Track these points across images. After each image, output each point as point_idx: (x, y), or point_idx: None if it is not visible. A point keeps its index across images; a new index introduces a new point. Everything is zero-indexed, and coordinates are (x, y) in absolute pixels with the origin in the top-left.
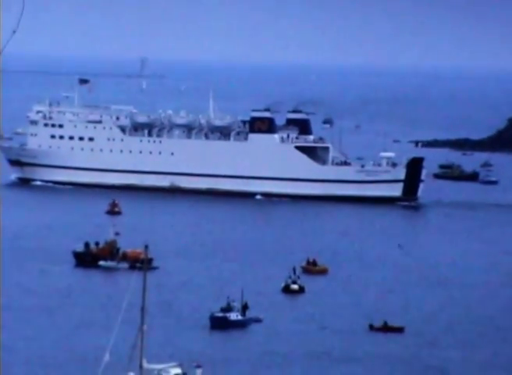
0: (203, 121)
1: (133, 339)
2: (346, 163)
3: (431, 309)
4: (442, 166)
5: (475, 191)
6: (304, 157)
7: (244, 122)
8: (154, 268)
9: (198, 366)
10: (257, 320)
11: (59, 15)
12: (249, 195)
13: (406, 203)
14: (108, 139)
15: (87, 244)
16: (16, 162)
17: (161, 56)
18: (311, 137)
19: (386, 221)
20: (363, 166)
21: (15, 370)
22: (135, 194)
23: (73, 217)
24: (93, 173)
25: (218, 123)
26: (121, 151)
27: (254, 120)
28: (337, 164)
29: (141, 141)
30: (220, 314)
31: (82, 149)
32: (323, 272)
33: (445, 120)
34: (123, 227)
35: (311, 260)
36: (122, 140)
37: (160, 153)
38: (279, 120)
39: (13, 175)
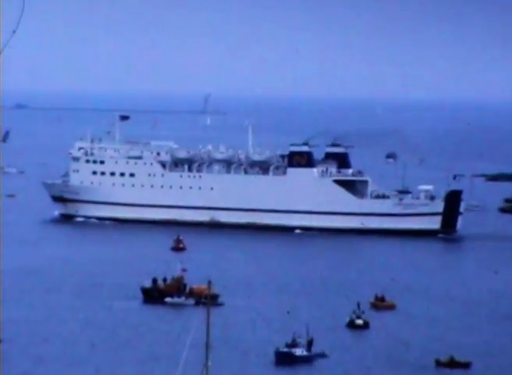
0: (242, 156)
1: None
2: (384, 196)
3: (498, 344)
4: (508, 200)
5: None
6: (342, 190)
7: (283, 156)
8: (220, 304)
9: None
10: (323, 356)
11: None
12: (288, 229)
13: (445, 236)
14: (149, 175)
15: (154, 280)
16: (58, 198)
17: (223, 93)
18: (350, 171)
19: (435, 255)
20: (401, 199)
21: None
22: (196, 230)
23: (139, 253)
24: (134, 208)
25: (256, 157)
26: (161, 186)
27: (292, 154)
28: (376, 197)
29: (181, 176)
30: (285, 350)
31: (123, 185)
32: (391, 307)
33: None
34: (189, 263)
35: (379, 296)
36: (162, 175)
37: (200, 188)
38: (319, 154)
39: (56, 211)
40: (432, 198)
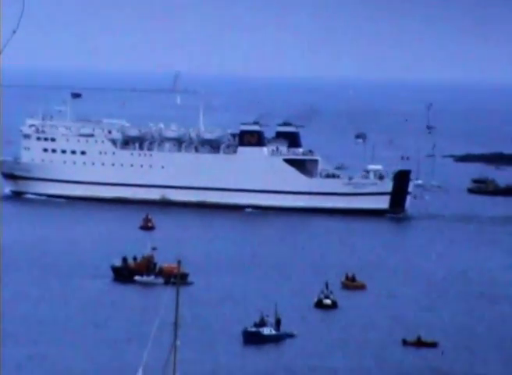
0: (193, 134)
1: (166, 354)
2: (334, 176)
3: (465, 323)
4: (475, 181)
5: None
6: (292, 169)
7: (234, 135)
8: (189, 283)
9: None
10: (291, 335)
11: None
12: (238, 208)
13: (393, 215)
14: (100, 152)
15: (124, 259)
16: (9, 176)
17: (193, 71)
18: (301, 150)
19: (391, 234)
20: (350, 179)
21: None
22: (165, 209)
23: (106, 232)
24: (85, 186)
25: (207, 136)
26: (112, 164)
27: (243, 133)
28: (326, 176)
29: (132, 154)
30: (253, 329)
31: (74, 162)
32: (361, 287)
33: (478, 134)
34: (158, 242)
35: (350, 275)
36: (113, 153)
37: (150, 166)
38: (270, 133)
39: (7, 188)
40: (381, 177)
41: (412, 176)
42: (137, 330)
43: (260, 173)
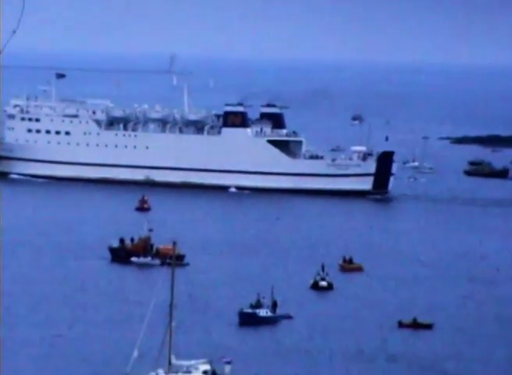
0: (177, 115)
1: (161, 335)
2: (318, 157)
3: (461, 305)
4: (471, 163)
5: (506, 187)
6: (276, 151)
7: (218, 116)
8: (186, 264)
9: (228, 363)
10: (287, 317)
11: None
12: (222, 189)
13: (376, 196)
14: (85, 133)
15: (121, 240)
16: None
17: (190, 52)
18: (284, 131)
19: (372, 215)
20: (334, 160)
21: (43, 362)
22: (161, 190)
23: (103, 213)
24: (69, 166)
25: (192, 117)
26: (97, 145)
27: (227, 114)
28: (310, 158)
29: (116, 134)
30: (250, 310)
31: (58, 143)
32: (359, 269)
33: (474, 117)
34: (154, 223)
35: (347, 258)
36: (98, 134)
37: (135, 147)
38: (254, 114)
39: None
40: (365, 158)
41: (405, 158)
42: (133, 311)
43: (244, 154)
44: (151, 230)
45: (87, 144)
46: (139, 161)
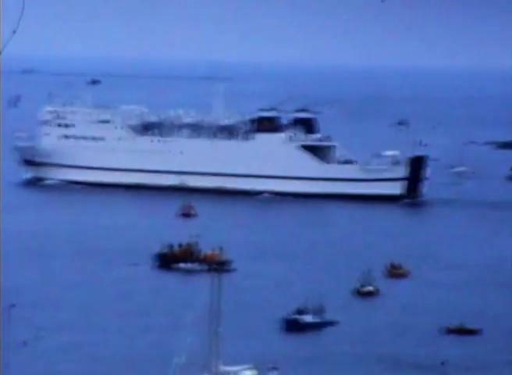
0: (211, 120)
1: (208, 341)
2: (351, 162)
3: (508, 310)
4: None
5: None
6: (308, 155)
7: (252, 121)
8: (232, 270)
9: (274, 368)
10: (332, 323)
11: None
12: (255, 194)
13: (409, 201)
14: (119, 139)
15: (169, 246)
16: (29, 162)
17: (229, 58)
18: (318, 136)
19: (408, 219)
20: (366, 165)
21: (89, 367)
22: (204, 197)
23: (148, 219)
24: (103, 172)
25: (225, 122)
26: (131, 150)
27: (260, 119)
28: (343, 162)
29: (151, 140)
30: (295, 316)
31: (93, 149)
32: (405, 275)
33: None
34: (200, 229)
35: (395, 263)
36: (132, 139)
37: (169, 152)
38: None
39: (27, 174)
40: (397, 163)
41: (451, 163)
42: (180, 317)
43: (277, 159)
44: (197, 236)
45: (121, 150)
46: (173, 166)
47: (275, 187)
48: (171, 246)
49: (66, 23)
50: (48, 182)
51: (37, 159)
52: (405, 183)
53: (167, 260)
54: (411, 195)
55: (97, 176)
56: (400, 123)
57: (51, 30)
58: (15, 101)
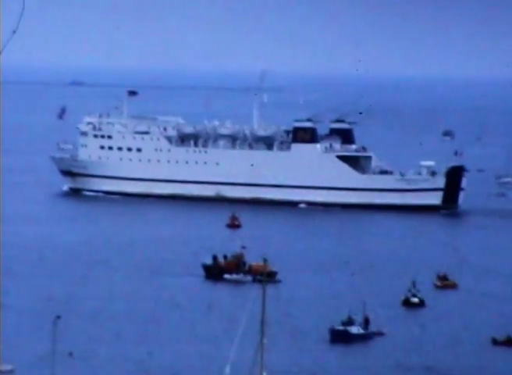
0: (247, 131)
1: (253, 352)
2: (387, 172)
3: None
4: None
5: None
6: (345, 166)
7: (288, 132)
8: (278, 281)
9: None
10: (379, 334)
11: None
12: (292, 204)
13: (446, 211)
14: (156, 150)
15: (215, 257)
16: (67, 173)
17: (279, 69)
18: (354, 147)
19: (447, 229)
20: (403, 175)
21: None
22: (248, 207)
23: (194, 230)
24: (140, 183)
25: (261, 133)
26: (168, 161)
27: (296, 130)
28: (379, 173)
29: (187, 151)
30: (341, 327)
31: (130, 160)
32: (453, 286)
33: None
34: (246, 240)
35: (441, 274)
36: (168, 150)
37: (205, 163)
38: (323, 130)
39: (65, 185)
40: (434, 173)
41: (498, 173)
42: (225, 328)
43: (313, 170)
44: (243, 248)
45: (158, 161)
46: (209, 177)
47: (311, 197)
48: (216, 257)
49: (107, 36)
50: (85, 193)
51: (75, 170)
52: (441, 193)
53: (213, 271)
54: (448, 206)
55: (133, 187)
56: (445, 134)
57: (95, 41)
58: (61, 114)
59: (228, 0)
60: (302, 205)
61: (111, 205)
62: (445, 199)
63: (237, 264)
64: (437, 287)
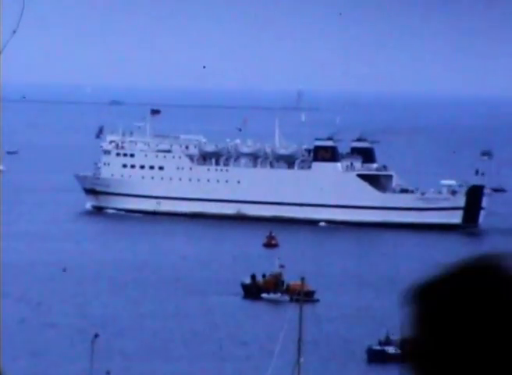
0: (268, 150)
1: (290, 372)
2: (408, 191)
3: None
4: None
5: None
6: (365, 185)
7: (309, 150)
8: (315, 300)
9: None
10: None
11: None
12: (313, 222)
13: (467, 230)
14: (177, 168)
15: (253, 277)
16: (90, 191)
17: (314, 88)
18: (375, 166)
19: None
20: (423, 194)
21: None
22: (286, 226)
23: (231, 249)
24: (162, 201)
25: (282, 151)
26: (189, 179)
27: (317, 149)
28: (400, 192)
29: (208, 169)
30: (378, 347)
31: (152, 178)
32: None
33: None
34: (284, 260)
35: None
36: (190, 168)
37: (226, 181)
38: (345, 149)
39: (88, 203)
40: (454, 192)
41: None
42: (263, 347)
43: (334, 188)
44: (282, 267)
45: (180, 179)
46: (231, 195)
47: (332, 215)
48: (253, 276)
49: (147, 56)
50: (107, 211)
51: (98, 188)
52: (461, 212)
53: (250, 291)
54: (467, 225)
55: (155, 206)
56: (484, 154)
57: (135, 61)
58: (98, 133)
59: (261, 20)
60: (322, 224)
61: (132, 224)
62: (465, 218)
63: (275, 283)
64: None
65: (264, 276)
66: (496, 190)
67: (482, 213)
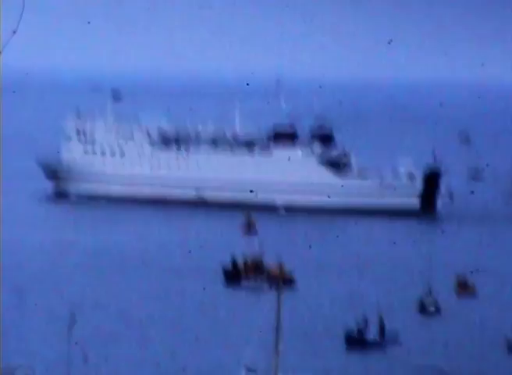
0: (228, 135)
1: (268, 359)
2: (366, 177)
3: None
4: None
5: None
6: (324, 171)
7: (268, 136)
8: (294, 287)
9: None
10: (395, 341)
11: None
12: (272, 209)
13: (424, 216)
14: (139, 154)
15: (233, 263)
16: (52, 177)
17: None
18: (335, 152)
19: None
20: (381, 180)
21: None
22: (265, 213)
23: (210, 235)
24: (124, 187)
25: (242, 137)
26: (151, 164)
27: (277, 135)
28: (357, 178)
29: (170, 155)
30: (357, 334)
31: (113, 163)
32: (472, 292)
33: None
34: (262, 246)
35: (461, 281)
36: (151, 154)
37: (187, 166)
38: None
39: (50, 189)
40: (412, 178)
41: None
42: (242, 334)
43: (294, 174)
44: (261, 253)
45: (141, 165)
46: (191, 181)
47: (293, 202)
48: (234, 262)
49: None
50: (70, 197)
51: (59, 175)
52: (418, 199)
53: (231, 277)
54: (425, 211)
55: (117, 191)
56: (461, 141)
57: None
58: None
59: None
60: (281, 210)
61: (99, 210)
62: (422, 205)
63: (255, 269)
64: (457, 293)
65: (245, 262)
66: None
67: (439, 200)
